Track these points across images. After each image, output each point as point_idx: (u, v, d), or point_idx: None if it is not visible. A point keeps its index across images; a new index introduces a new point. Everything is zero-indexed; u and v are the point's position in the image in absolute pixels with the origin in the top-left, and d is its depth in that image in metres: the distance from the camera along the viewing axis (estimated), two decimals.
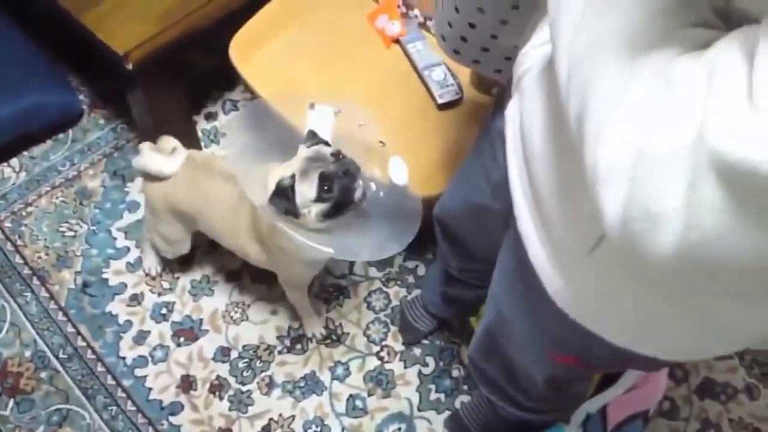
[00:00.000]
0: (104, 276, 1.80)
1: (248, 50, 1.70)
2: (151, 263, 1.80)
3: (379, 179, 1.40)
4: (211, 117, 2.09)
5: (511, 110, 0.82)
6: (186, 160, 1.51)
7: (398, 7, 1.74)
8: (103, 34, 1.65)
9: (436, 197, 1.55)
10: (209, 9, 1.68)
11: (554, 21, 0.59)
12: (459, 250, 1.35)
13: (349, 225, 1.31)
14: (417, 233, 1.84)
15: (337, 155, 1.26)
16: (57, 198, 1.92)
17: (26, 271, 1.80)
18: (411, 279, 1.84)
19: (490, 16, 0.93)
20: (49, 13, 1.77)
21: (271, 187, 1.25)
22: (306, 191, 1.23)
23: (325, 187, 1.22)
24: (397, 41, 1.72)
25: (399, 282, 1.83)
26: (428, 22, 1.73)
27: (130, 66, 1.63)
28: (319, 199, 1.23)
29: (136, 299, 1.77)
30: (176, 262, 1.81)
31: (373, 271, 1.84)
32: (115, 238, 1.86)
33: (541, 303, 0.79)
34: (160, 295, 1.78)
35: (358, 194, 1.25)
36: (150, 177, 1.53)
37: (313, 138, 1.32)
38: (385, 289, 1.82)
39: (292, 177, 1.24)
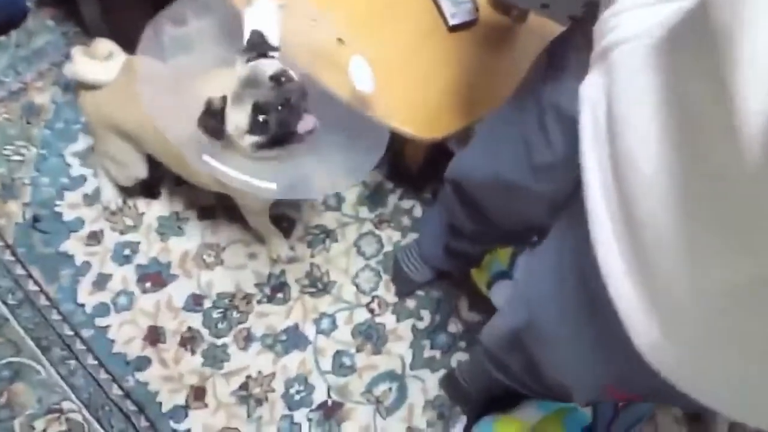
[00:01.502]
0: (57, 209, 1.57)
1: None
2: (111, 196, 1.57)
3: (336, 90, 1.19)
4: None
5: (591, 90, 0.60)
6: (124, 67, 1.30)
7: None
8: None
9: (445, 139, 1.34)
10: None
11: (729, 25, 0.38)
12: (477, 216, 1.16)
13: (294, 153, 1.12)
14: (416, 170, 1.66)
15: (277, 78, 1.06)
16: (0, 115, 1.65)
17: None
18: (406, 221, 1.65)
19: None
20: None
21: (200, 106, 1.06)
22: (238, 120, 1.05)
23: (260, 119, 1.04)
24: None
25: (393, 224, 1.64)
26: None
27: None
28: (252, 131, 1.06)
29: (95, 237, 1.56)
30: (141, 195, 1.59)
31: (363, 212, 1.64)
32: (69, 165, 1.62)
33: (612, 342, 0.60)
34: (122, 233, 1.57)
35: (302, 128, 1.06)
36: (85, 86, 1.33)
37: (253, 49, 1.10)
38: (377, 232, 1.63)
39: (223, 99, 1.06)
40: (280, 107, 1.04)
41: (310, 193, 1.39)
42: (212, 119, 1.05)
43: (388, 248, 1.61)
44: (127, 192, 1.58)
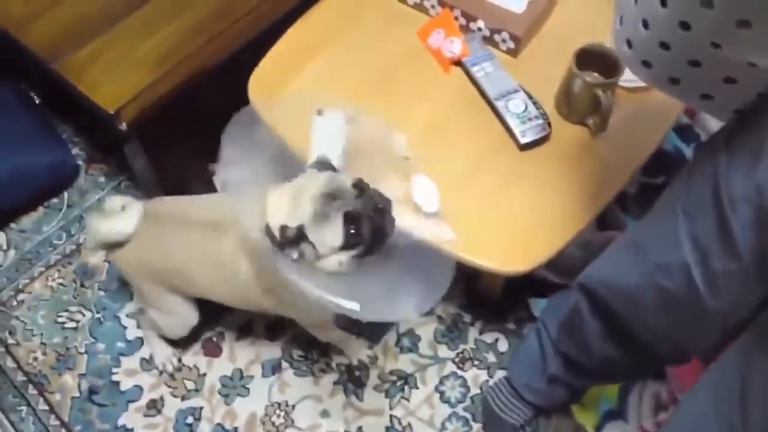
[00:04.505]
0: (115, 378, 1.46)
1: (272, 89, 1.35)
2: (164, 356, 1.46)
3: (402, 202, 1.11)
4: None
5: None
6: (145, 214, 1.25)
7: (456, 19, 1.37)
8: (86, 87, 1.30)
9: (528, 273, 1.18)
10: (216, 46, 1.34)
11: None
12: (617, 334, 1.01)
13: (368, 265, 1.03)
14: (495, 298, 1.51)
15: (359, 186, 1.00)
16: (53, 280, 1.59)
17: (20, 377, 1.47)
18: (491, 357, 1.47)
19: (723, 11, 0.57)
20: (18, 56, 1.42)
21: (273, 224, 0.97)
22: (328, 238, 0.96)
23: (352, 231, 0.97)
24: (458, 63, 1.35)
25: (477, 362, 1.47)
26: (495, 36, 1.36)
27: (123, 126, 1.29)
28: (346, 246, 0.97)
29: (154, 406, 1.43)
30: (202, 353, 1.48)
31: (443, 350, 1.48)
32: (125, 327, 1.52)
33: None
34: (183, 399, 1.44)
35: (389, 230, 1.02)
36: (112, 246, 1.28)
37: (323, 166, 1.05)
38: (460, 373, 1.46)
39: (299, 228, 0.96)
40: (371, 214, 0.98)
41: (394, 314, 1.23)
42: (297, 246, 0.96)
43: (474, 391, 1.44)
44: (183, 346, 1.47)
